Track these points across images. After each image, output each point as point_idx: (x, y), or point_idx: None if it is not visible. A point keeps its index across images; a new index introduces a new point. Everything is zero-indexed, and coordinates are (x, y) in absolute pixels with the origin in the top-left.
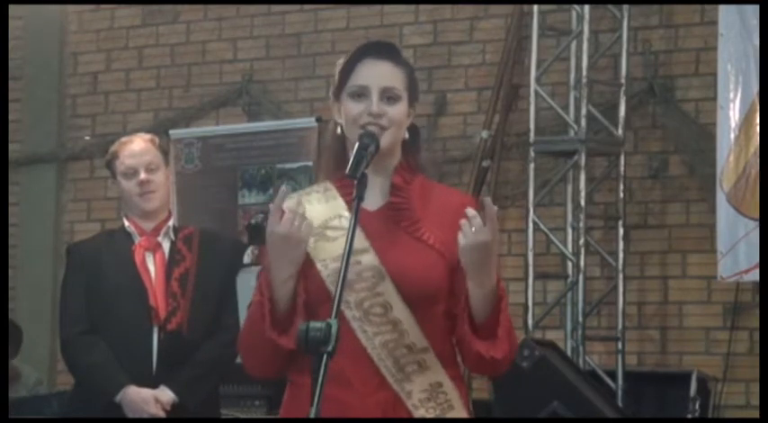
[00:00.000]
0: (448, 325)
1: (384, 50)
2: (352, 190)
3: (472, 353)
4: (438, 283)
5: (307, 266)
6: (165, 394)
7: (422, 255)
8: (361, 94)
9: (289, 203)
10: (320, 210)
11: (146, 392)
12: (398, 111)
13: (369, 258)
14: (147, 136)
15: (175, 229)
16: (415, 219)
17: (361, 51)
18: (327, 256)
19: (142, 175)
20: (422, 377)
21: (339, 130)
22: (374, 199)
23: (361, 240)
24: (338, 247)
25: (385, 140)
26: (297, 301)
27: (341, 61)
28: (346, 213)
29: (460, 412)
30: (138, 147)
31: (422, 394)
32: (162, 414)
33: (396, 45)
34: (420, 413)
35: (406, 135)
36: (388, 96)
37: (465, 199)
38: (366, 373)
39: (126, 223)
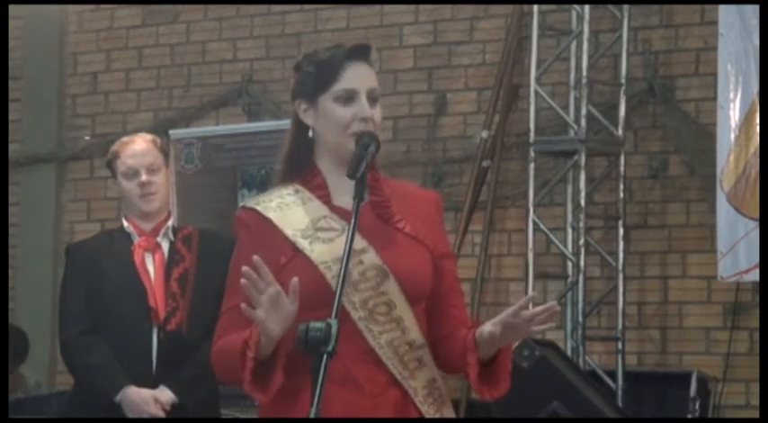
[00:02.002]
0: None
1: (363, 52)
2: (326, 190)
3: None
4: (430, 279)
5: (307, 269)
6: (165, 394)
7: (416, 250)
8: (349, 98)
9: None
10: (302, 212)
11: (145, 393)
12: (379, 111)
13: (370, 257)
14: (149, 136)
15: (174, 230)
16: (398, 215)
17: (343, 55)
18: (329, 257)
19: (143, 177)
20: (421, 373)
21: (311, 134)
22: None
23: (357, 240)
24: (336, 247)
25: None
26: (279, 361)
27: (306, 65)
28: (330, 213)
29: (449, 407)
30: (139, 147)
31: (424, 391)
32: (162, 414)
33: (370, 45)
34: (425, 409)
35: None
36: (373, 98)
37: (433, 194)
38: (374, 373)
39: (125, 223)
